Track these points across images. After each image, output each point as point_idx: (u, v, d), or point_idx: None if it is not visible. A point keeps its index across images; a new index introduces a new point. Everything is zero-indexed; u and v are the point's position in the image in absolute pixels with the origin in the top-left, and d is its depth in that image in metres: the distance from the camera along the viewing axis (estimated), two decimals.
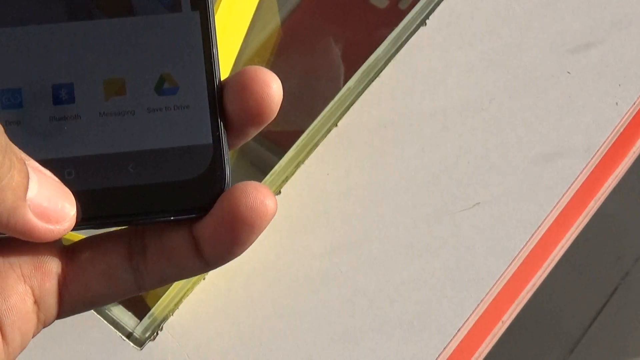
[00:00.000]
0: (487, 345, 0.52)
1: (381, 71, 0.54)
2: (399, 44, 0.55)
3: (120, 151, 0.30)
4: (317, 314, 0.49)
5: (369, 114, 0.53)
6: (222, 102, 0.31)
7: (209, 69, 0.31)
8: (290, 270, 0.50)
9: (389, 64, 0.54)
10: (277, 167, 0.52)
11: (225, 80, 0.31)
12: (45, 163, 0.30)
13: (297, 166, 0.52)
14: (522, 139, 0.53)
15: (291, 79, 0.61)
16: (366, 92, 0.53)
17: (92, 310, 0.47)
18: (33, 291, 0.30)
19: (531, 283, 0.53)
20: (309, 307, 0.50)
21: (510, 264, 0.50)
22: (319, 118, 0.53)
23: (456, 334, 0.49)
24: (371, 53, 0.55)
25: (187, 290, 0.47)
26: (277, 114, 0.57)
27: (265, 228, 0.30)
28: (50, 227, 0.28)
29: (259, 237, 0.51)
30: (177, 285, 0.47)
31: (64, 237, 0.31)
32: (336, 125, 0.53)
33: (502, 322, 0.51)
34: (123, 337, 0.46)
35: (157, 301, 0.47)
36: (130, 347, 0.46)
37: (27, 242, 0.30)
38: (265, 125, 0.31)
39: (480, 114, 0.53)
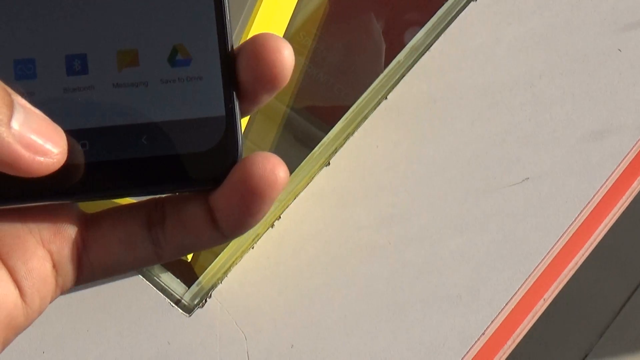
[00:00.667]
0: (529, 322, 0.52)
1: (431, 45, 0.54)
2: (449, 19, 0.55)
3: (134, 123, 0.31)
4: (365, 285, 0.49)
5: (418, 87, 0.53)
6: (235, 72, 0.31)
7: (222, 39, 0.31)
8: (338, 241, 0.51)
9: (439, 39, 0.54)
10: (326, 139, 0.52)
11: (237, 48, 0.31)
12: None
13: (347, 138, 0.52)
14: (572, 115, 0.52)
15: (336, 53, 0.60)
16: (416, 66, 0.53)
17: (140, 277, 0.47)
18: (52, 256, 0.30)
19: (574, 261, 0.52)
20: (357, 277, 0.50)
21: (557, 241, 0.50)
22: (368, 90, 0.53)
23: (503, 308, 0.49)
24: (416, 29, 0.55)
25: (236, 258, 0.47)
26: (322, 88, 0.58)
27: (276, 197, 0.30)
28: (39, 158, 0.27)
29: (309, 206, 0.51)
30: (225, 254, 0.47)
31: (85, 207, 0.32)
32: (386, 98, 0.53)
33: (544, 299, 0.51)
34: (172, 303, 0.46)
35: (206, 269, 0.48)
36: (179, 313, 0.46)
37: (46, 208, 0.31)
38: (278, 91, 0.31)
39: (530, 90, 0.53)
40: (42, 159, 0.27)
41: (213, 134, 0.31)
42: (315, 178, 0.51)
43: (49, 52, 0.31)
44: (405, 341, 0.49)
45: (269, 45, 0.30)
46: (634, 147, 0.52)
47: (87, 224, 0.31)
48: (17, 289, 0.30)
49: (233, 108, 0.31)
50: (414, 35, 0.57)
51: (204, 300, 0.47)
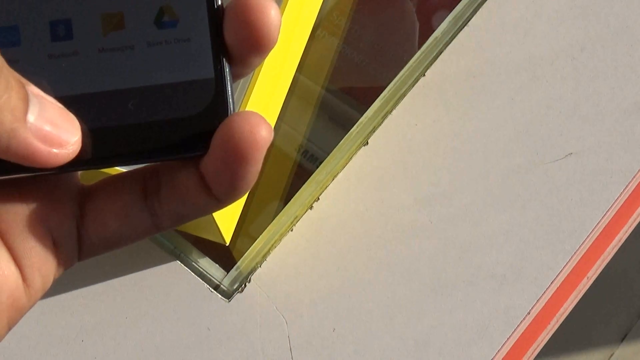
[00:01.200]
0: (572, 301, 0.51)
1: (469, 20, 0.54)
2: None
3: (120, 88, 0.31)
4: (407, 266, 0.49)
5: (457, 63, 0.53)
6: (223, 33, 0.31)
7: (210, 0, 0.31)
8: (379, 222, 0.50)
9: (477, 13, 0.54)
10: (363, 118, 0.52)
11: (225, 8, 0.31)
12: None
13: (385, 117, 0.52)
14: (615, 88, 0.52)
15: (370, 32, 0.61)
16: (454, 41, 0.53)
17: (178, 262, 0.47)
18: (52, 232, 0.30)
19: (617, 238, 0.52)
20: (398, 258, 0.49)
21: (602, 218, 0.50)
22: (406, 67, 0.53)
23: (548, 287, 0.48)
24: (444, 13, 0.56)
25: (275, 242, 0.47)
26: (357, 68, 0.57)
27: (261, 158, 0.29)
28: (55, 150, 0.27)
29: (348, 187, 0.51)
30: (264, 237, 0.47)
31: (82, 177, 0.32)
32: (424, 75, 0.53)
33: (588, 277, 0.51)
34: (211, 289, 0.46)
35: (244, 253, 0.47)
36: (219, 298, 0.46)
37: (43, 183, 0.30)
38: (268, 53, 0.31)
39: (572, 63, 0.53)
40: (57, 150, 0.28)
41: (202, 98, 0.31)
42: (354, 158, 0.51)
43: (33, 18, 0.31)
44: (449, 323, 0.48)
45: (252, 5, 0.29)
46: None
47: (84, 197, 0.31)
48: (17, 269, 0.30)
49: (222, 70, 0.30)
50: (442, 19, 0.57)
51: (243, 285, 0.47)
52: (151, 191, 0.31)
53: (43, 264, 0.30)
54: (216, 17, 0.30)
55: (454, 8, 0.58)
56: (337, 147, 0.51)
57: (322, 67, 0.60)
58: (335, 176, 0.52)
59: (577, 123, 0.52)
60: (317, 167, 0.54)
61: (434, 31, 0.58)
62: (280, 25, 0.29)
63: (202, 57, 0.31)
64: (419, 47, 0.57)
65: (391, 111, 0.52)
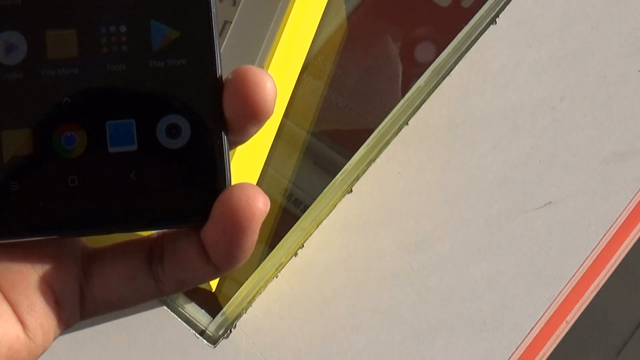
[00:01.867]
0: (551, 345, 0.52)
1: (451, 70, 0.54)
2: (469, 42, 0.55)
3: (124, 159, 0.31)
4: (389, 313, 0.49)
5: (439, 112, 0.53)
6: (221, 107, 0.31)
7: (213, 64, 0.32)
8: (362, 268, 0.51)
9: (459, 63, 0.54)
10: (347, 166, 0.52)
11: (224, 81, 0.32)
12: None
13: (369, 164, 0.52)
14: (594, 138, 0.52)
15: (355, 77, 0.60)
16: (437, 90, 0.54)
17: (165, 307, 0.48)
18: (54, 291, 0.31)
19: (595, 283, 0.52)
20: (381, 305, 0.50)
21: (580, 265, 0.50)
22: (389, 116, 0.53)
23: (528, 333, 0.49)
24: (436, 51, 0.56)
25: (260, 287, 0.48)
26: (341, 113, 0.58)
27: (257, 229, 0.30)
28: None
29: (333, 234, 0.51)
30: (249, 283, 0.48)
31: (89, 241, 0.33)
32: (407, 124, 0.53)
33: (567, 322, 0.51)
34: (197, 334, 0.47)
35: (230, 299, 0.48)
36: (204, 344, 0.47)
37: (48, 244, 0.31)
38: (264, 122, 0.31)
39: (551, 113, 0.53)
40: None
41: (201, 169, 0.32)
42: (338, 205, 0.51)
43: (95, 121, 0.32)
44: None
45: (249, 79, 0.30)
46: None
47: (90, 259, 0.32)
48: (19, 323, 0.30)
49: (221, 142, 0.31)
50: (426, 51, 0.58)
51: (228, 331, 0.47)
52: (155, 257, 0.31)
53: (45, 320, 0.30)
54: (215, 90, 0.31)
55: (436, 40, 0.58)
56: (321, 194, 0.52)
57: (307, 111, 0.59)
58: (320, 223, 0.52)
59: (556, 172, 0.52)
60: (303, 211, 0.54)
61: (417, 63, 0.58)
62: (276, 97, 0.31)
63: (201, 130, 0.31)
64: (403, 89, 0.58)
65: (375, 159, 0.53)
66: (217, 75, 0.32)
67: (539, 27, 0.55)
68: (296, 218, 0.53)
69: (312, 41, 0.60)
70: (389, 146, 0.53)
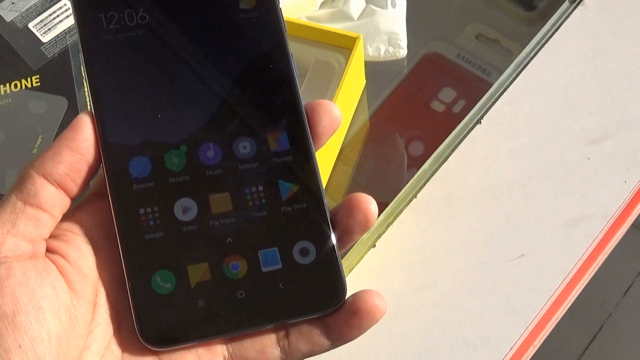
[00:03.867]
0: None
1: (448, 157, 0.60)
2: (461, 137, 0.61)
3: (274, 277, 0.34)
4: (403, 336, 0.55)
5: (440, 189, 0.59)
6: (336, 236, 0.35)
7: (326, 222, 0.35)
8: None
9: (454, 153, 0.61)
10: (372, 227, 0.49)
11: (336, 207, 0.35)
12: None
13: (387, 227, 0.58)
14: (555, 207, 0.58)
15: (373, 163, 0.66)
16: (437, 173, 0.60)
17: None
18: None
19: (555, 316, 0.57)
20: (397, 330, 0.55)
21: (545, 303, 0.55)
22: (402, 191, 0.59)
23: (507, 352, 0.54)
24: (433, 147, 0.61)
25: None
26: (364, 189, 0.61)
27: (379, 320, 0.33)
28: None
29: (359, 282, 0.56)
30: None
31: None
32: (415, 197, 0.59)
33: (534, 345, 0.56)
34: None
35: None
36: None
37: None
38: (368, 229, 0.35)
39: (523, 189, 0.59)
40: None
41: (325, 275, 0.34)
42: (364, 258, 0.57)
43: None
44: None
45: (362, 201, 0.34)
46: (601, 231, 0.58)
47: (231, 340, 0.34)
48: None
49: (336, 257, 0.34)
50: (417, 147, 0.64)
51: None
52: (281, 337, 0.34)
53: None
54: (327, 223, 0.35)
55: (433, 136, 0.62)
56: (351, 249, 0.56)
57: (339, 188, 0.64)
58: (351, 270, 0.57)
59: (527, 232, 0.58)
60: None
61: (411, 156, 0.64)
62: (377, 213, 0.34)
63: (322, 249, 0.34)
64: (409, 171, 0.63)
65: (392, 223, 0.58)
66: (328, 213, 0.35)
67: (513, 125, 0.61)
68: None
69: (347, 135, 0.65)
70: (403, 213, 0.59)
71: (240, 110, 0.35)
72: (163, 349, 0.33)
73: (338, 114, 0.35)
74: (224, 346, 0.34)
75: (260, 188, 0.34)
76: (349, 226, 0.34)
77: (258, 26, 0.35)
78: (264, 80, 0.35)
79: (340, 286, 0.34)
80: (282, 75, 0.35)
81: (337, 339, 0.34)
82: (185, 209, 0.34)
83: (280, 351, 0.34)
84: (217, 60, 0.35)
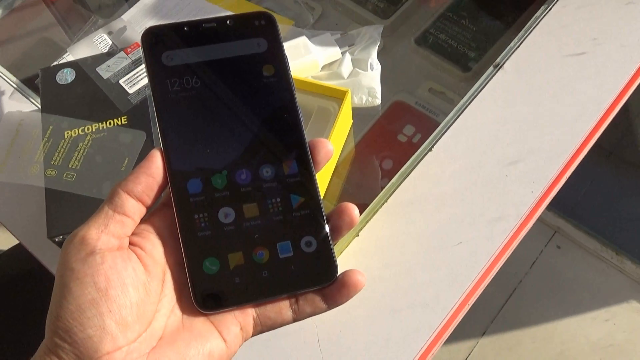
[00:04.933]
0: (459, 319, 0.54)
1: (409, 174, 0.60)
2: (418, 160, 0.60)
3: (288, 262, 0.33)
4: (376, 301, 0.53)
5: (404, 196, 0.59)
6: (330, 232, 0.34)
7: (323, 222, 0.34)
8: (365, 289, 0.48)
9: (414, 170, 0.60)
10: (356, 225, 0.50)
11: (330, 212, 0.34)
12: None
13: (367, 222, 0.57)
14: (483, 209, 0.58)
15: (357, 175, 0.65)
16: (402, 185, 0.59)
17: None
18: (240, 323, 0.33)
19: (483, 284, 0.56)
20: (372, 295, 0.53)
21: (476, 275, 0.54)
22: (377, 197, 0.57)
23: (450, 310, 0.53)
24: (399, 166, 0.60)
25: None
26: (351, 195, 0.61)
27: (361, 290, 0.33)
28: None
29: (344, 262, 0.54)
30: None
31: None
32: (387, 201, 0.58)
33: (469, 304, 0.54)
34: None
35: None
36: None
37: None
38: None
39: (461, 196, 0.59)
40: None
41: (324, 259, 0.33)
42: (349, 247, 0.56)
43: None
44: (399, 326, 0.52)
45: (349, 208, 0.34)
46: (515, 225, 0.56)
47: (258, 306, 0.33)
48: (223, 342, 0.32)
49: (331, 246, 0.34)
50: (388, 165, 0.63)
51: None
52: (293, 302, 0.33)
53: (235, 338, 0.32)
54: (324, 221, 0.34)
55: (398, 159, 0.61)
56: (341, 240, 0.51)
57: (333, 195, 0.64)
58: (340, 255, 0.55)
59: (463, 227, 0.57)
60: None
61: (385, 171, 0.63)
62: (359, 216, 0.34)
63: (321, 241, 0.34)
64: (382, 182, 0.62)
65: (370, 219, 0.57)
66: (324, 216, 0.34)
67: (454, 152, 0.61)
68: None
69: (339, 159, 0.65)
70: (377, 213, 0.58)
71: (263, 145, 0.34)
72: (210, 312, 0.32)
73: (331, 148, 0.34)
74: (253, 310, 0.33)
75: (278, 200, 0.33)
76: (339, 226, 0.34)
77: (276, 87, 0.35)
78: (280, 125, 0.34)
79: (334, 267, 0.33)
80: (292, 121, 0.34)
81: (332, 303, 0.33)
82: (226, 214, 0.33)
83: (292, 312, 0.33)
84: (247, 110, 0.34)
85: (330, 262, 0.33)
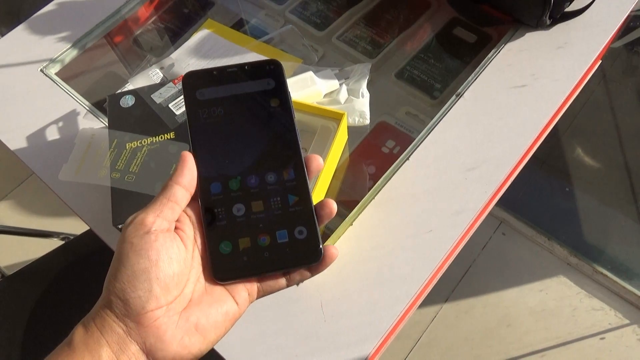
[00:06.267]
0: (425, 293, 0.54)
1: (391, 178, 0.59)
2: (398, 167, 0.59)
3: (284, 246, 0.32)
4: (365, 275, 0.51)
5: (387, 194, 0.58)
6: (317, 222, 0.32)
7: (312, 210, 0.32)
8: (349, 267, 0.52)
9: (393, 176, 0.59)
10: (351, 213, 0.55)
11: (316, 204, 0.32)
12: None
13: (359, 214, 0.56)
14: (448, 204, 0.56)
15: (350, 179, 0.63)
16: (385, 186, 0.58)
17: None
18: (248, 289, 0.32)
19: (447, 264, 0.55)
20: (361, 270, 0.51)
21: (443, 256, 0.52)
22: (367, 195, 0.56)
23: (423, 282, 0.51)
24: (383, 172, 0.58)
25: None
26: (345, 193, 0.57)
27: (334, 260, 0.32)
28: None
29: (340, 245, 0.52)
30: None
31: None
32: (374, 198, 0.57)
33: (436, 277, 0.53)
34: None
35: None
36: None
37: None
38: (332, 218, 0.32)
39: (431, 195, 0.57)
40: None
41: (312, 244, 0.32)
42: (346, 232, 0.55)
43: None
44: (367, 300, 0.51)
45: (329, 203, 0.33)
46: (472, 218, 0.54)
47: (260, 279, 0.32)
48: (236, 304, 0.31)
49: (319, 236, 0.33)
50: (374, 171, 0.61)
51: None
52: (286, 273, 0.33)
53: (244, 300, 0.32)
54: (313, 213, 0.33)
55: (381, 166, 0.59)
56: (337, 229, 0.54)
57: (333, 193, 0.61)
58: (338, 240, 0.53)
59: (433, 218, 0.55)
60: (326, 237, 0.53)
61: (371, 175, 0.61)
62: (336, 209, 0.32)
63: (310, 230, 0.32)
64: (370, 183, 0.60)
65: (362, 212, 0.56)
66: (313, 212, 0.32)
67: (426, 161, 0.59)
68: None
69: (337, 168, 0.63)
70: (367, 207, 0.57)
71: (269, 158, 0.33)
72: (225, 283, 0.32)
73: (321, 162, 0.33)
74: (257, 282, 0.33)
75: (278, 199, 0.33)
76: (321, 215, 0.33)
77: (280, 115, 0.34)
78: (282, 142, 0.33)
79: (319, 250, 0.32)
80: (292, 140, 0.34)
81: (315, 272, 0.33)
82: (238, 209, 0.32)
83: (285, 280, 0.33)
84: (257, 131, 0.34)
85: (317, 246, 0.32)
